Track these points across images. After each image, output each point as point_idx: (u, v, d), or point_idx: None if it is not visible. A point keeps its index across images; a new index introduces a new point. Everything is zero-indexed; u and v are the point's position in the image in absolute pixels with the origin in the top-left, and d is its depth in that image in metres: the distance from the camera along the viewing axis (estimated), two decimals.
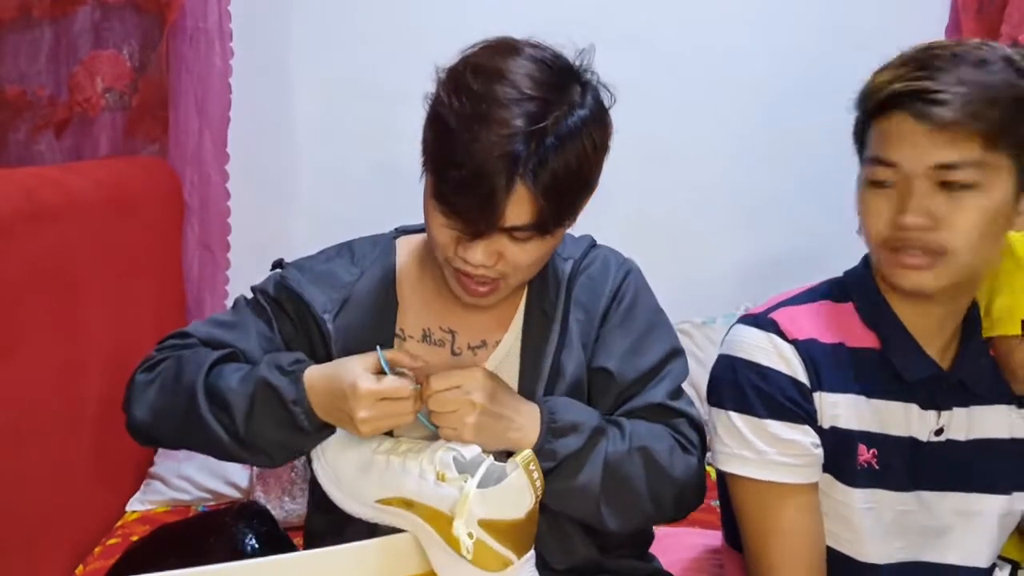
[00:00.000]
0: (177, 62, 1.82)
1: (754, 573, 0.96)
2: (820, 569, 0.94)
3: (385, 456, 0.89)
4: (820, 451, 0.94)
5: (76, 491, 1.42)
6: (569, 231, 1.02)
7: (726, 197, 2.00)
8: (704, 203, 2.02)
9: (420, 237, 1.04)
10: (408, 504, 0.87)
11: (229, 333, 0.99)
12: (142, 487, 1.68)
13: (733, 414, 0.95)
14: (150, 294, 1.73)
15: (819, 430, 0.95)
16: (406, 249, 1.03)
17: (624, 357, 0.97)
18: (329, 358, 0.94)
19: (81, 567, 1.43)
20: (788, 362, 0.94)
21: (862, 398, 0.95)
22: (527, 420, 0.90)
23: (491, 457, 0.86)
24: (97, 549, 1.49)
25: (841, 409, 0.95)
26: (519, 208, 0.83)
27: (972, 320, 1.00)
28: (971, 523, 0.98)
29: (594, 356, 0.98)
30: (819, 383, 0.95)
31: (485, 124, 0.81)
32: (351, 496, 0.91)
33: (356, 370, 0.86)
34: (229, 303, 1.96)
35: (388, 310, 0.99)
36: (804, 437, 0.93)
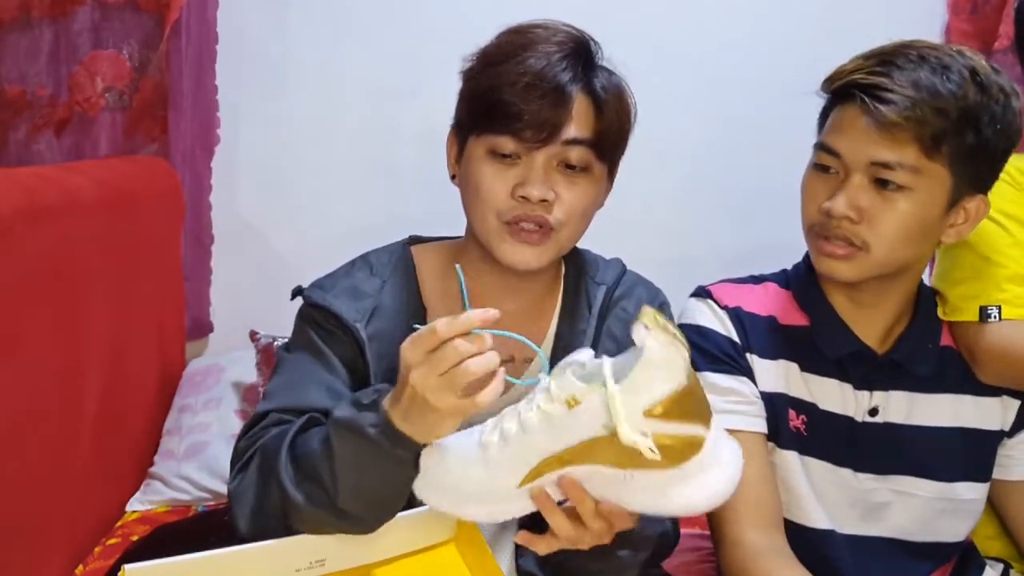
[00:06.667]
0: (176, 62, 1.83)
1: (711, 525, 1.01)
2: (771, 517, 0.97)
3: (493, 434, 0.73)
4: (761, 403, 1.00)
5: (76, 491, 1.42)
6: (598, 253, 1.07)
7: (722, 193, 2.01)
8: (700, 199, 2.02)
9: (439, 245, 1.04)
10: (560, 461, 0.71)
11: (294, 394, 0.90)
12: (142, 487, 1.68)
13: None
14: (150, 294, 1.73)
15: None
16: (424, 257, 1.02)
17: None
18: (366, 367, 0.91)
19: (81, 567, 1.43)
20: (723, 323, 1.03)
21: (794, 366, 1.01)
22: None
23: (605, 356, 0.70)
24: (97, 549, 1.49)
25: (771, 374, 1.01)
26: (582, 118, 0.88)
27: (923, 305, 1.03)
28: (906, 502, 1.02)
29: None
30: (750, 346, 1.01)
31: (533, 46, 0.87)
32: (485, 502, 0.74)
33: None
34: (214, 299, 1.98)
35: (417, 317, 0.96)
36: (743, 386, 1.00)
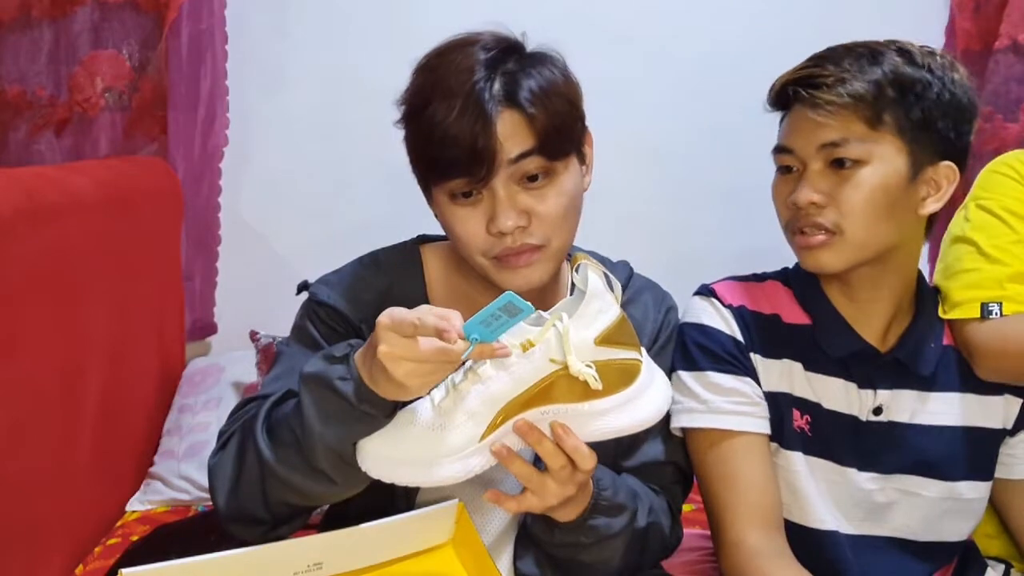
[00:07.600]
0: (176, 62, 1.83)
1: (712, 526, 1.00)
2: (772, 518, 0.97)
3: (447, 399, 0.75)
4: (764, 403, 0.99)
5: (76, 491, 1.42)
6: (605, 254, 1.05)
7: (722, 193, 2.00)
8: (700, 199, 2.02)
9: (447, 245, 1.03)
10: (520, 405, 0.74)
11: (286, 386, 0.89)
12: (142, 487, 1.68)
13: (682, 373, 1.01)
14: (150, 294, 1.73)
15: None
16: (432, 256, 1.01)
17: None
18: None
19: (81, 567, 1.43)
20: (727, 322, 1.01)
21: (798, 366, 1.01)
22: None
23: (540, 311, 0.75)
24: (97, 549, 1.49)
25: (775, 373, 1.00)
26: (515, 133, 0.85)
27: (925, 304, 1.03)
28: (910, 501, 1.01)
29: None
30: (753, 346, 1.01)
31: (447, 81, 0.85)
32: (447, 462, 0.75)
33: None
34: (219, 300, 1.99)
35: None
36: (746, 387, 0.99)
